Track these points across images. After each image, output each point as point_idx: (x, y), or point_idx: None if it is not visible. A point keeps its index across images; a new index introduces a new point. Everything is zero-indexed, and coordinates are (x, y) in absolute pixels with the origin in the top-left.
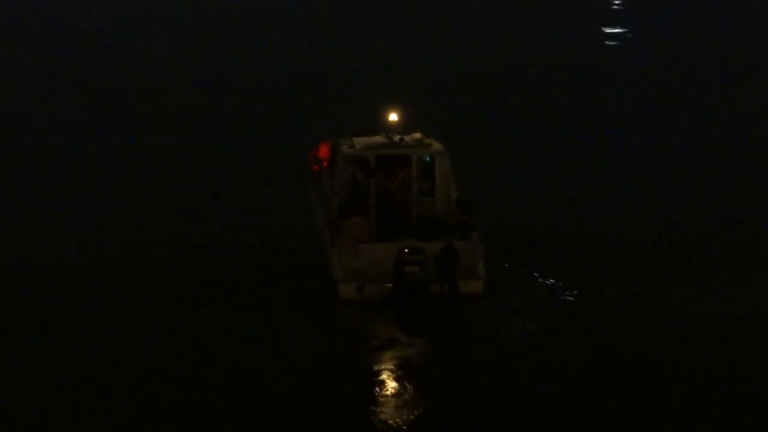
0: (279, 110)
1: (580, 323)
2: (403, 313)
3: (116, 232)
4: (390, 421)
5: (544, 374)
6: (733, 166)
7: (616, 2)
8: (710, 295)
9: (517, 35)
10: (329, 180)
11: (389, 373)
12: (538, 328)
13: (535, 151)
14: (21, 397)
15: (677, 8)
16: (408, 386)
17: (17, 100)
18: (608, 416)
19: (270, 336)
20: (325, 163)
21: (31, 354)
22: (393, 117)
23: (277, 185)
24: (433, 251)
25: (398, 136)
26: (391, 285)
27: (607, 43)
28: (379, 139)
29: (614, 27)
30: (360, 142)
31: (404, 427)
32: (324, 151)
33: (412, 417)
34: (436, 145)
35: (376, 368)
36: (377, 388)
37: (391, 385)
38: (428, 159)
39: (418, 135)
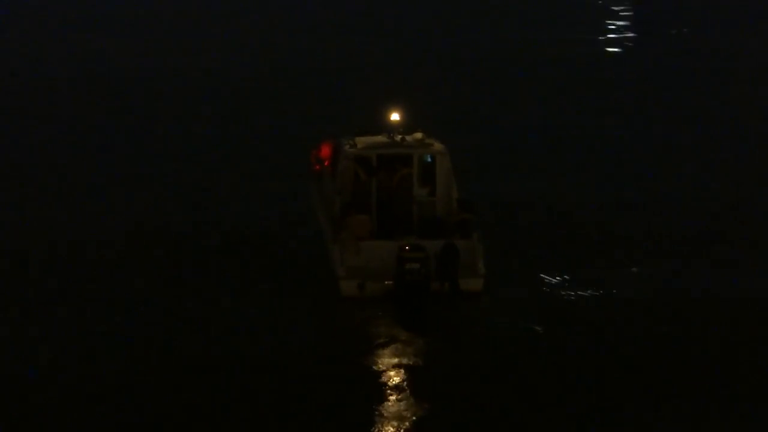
0: (280, 110)
1: (580, 320)
2: (403, 310)
3: (117, 230)
4: (390, 419)
5: (544, 372)
6: (727, 155)
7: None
8: (710, 281)
9: (519, 34)
10: (331, 179)
11: (389, 371)
12: (538, 325)
13: (534, 147)
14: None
15: (681, 10)
16: (408, 384)
17: (26, 92)
18: (608, 414)
19: (271, 332)
20: (326, 163)
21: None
22: (395, 117)
23: (279, 184)
24: (433, 249)
25: (400, 136)
26: (392, 282)
27: (607, 43)
28: (380, 138)
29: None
30: (362, 141)
31: (405, 425)
32: (326, 150)
33: (412, 415)
34: (437, 145)
35: (376, 365)
36: (377, 386)
37: (392, 383)
38: (429, 159)
39: (419, 135)
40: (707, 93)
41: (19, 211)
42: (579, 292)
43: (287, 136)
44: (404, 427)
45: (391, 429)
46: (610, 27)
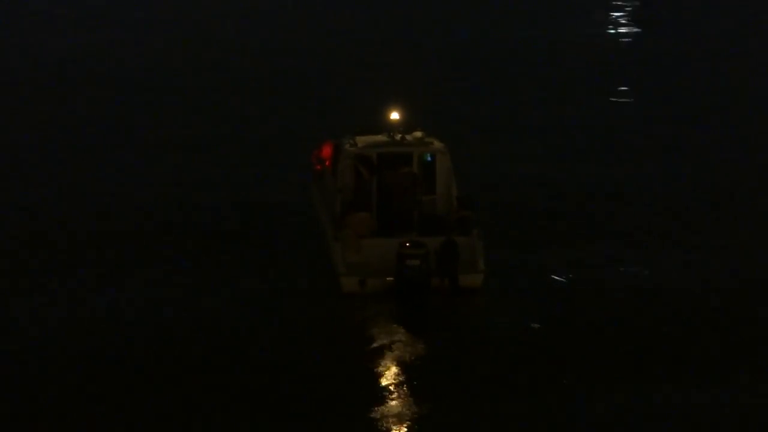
0: (282, 109)
1: (579, 316)
2: (404, 306)
3: (119, 229)
4: (389, 418)
5: (543, 369)
6: (730, 149)
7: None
8: (712, 270)
9: (519, 29)
10: (332, 178)
11: (389, 369)
12: (538, 321)
13: (534, 141)
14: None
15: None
16: (407, 382)
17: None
18: (607, 413)
19: (272, 329)
20: (327, 163)
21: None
22: (394, 116)
23: (280, 183)
24: (433, 246)
25: (400, 135)
26: (392, 279)
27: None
28: (381, 138)
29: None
30: (362, 140)
31: (404, 424)
32: (327, 150)
33: (411, 414)
34: (437, 144)
35: (375, 363)
36: (377, 384)
37: (391, 381)
38: (429, 158)
39: (419, 133)
40: (708, 84)
41: (25, 197)
42: (578, 288)
43: (287, 135)
44: (403, 426)
45: (390, 428)
46: (613, 18)
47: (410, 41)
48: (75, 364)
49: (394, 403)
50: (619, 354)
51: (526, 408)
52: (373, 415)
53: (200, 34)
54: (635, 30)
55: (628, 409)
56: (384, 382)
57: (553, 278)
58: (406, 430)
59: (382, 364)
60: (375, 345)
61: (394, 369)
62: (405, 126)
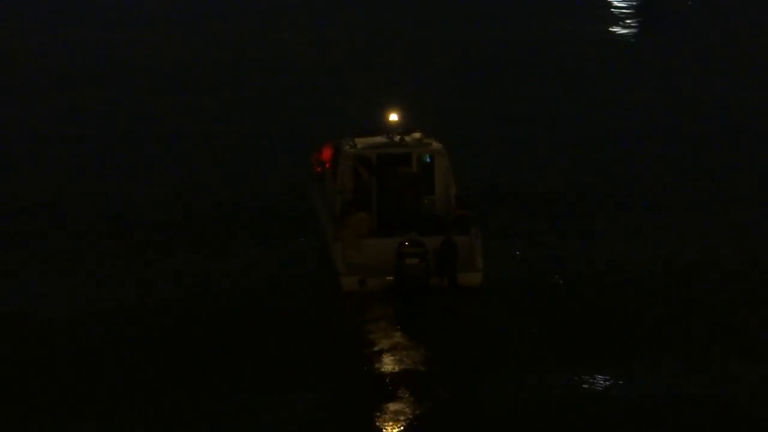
0: (282, 112)
1: (579, 315)
2: (403, 305)
3: (123, 227)
4: (388, 418)
5: (544, 367)
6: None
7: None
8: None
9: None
10: (332, 179)
11: (389, 367)
12: (536, 320)
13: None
14: None
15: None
16: (407, 379)
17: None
18: (609, 407)
19: (272, 328)
20: (327, 165)
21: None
22: (393, 117)
23: (280, 185)
24: (432, 245)
25: (399, 136)
26: (392, 278)
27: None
28: (380, 139)
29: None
30: (362, 142)
31: (403, 424)
32: (327, 153)
33: (410, 414)
34: (436, 145)
35: (375, 361)
36: (377, 382)
37: (391, 379)
38: (428, 158)
39: (417, 135)
40: (709, 80)
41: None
42: (575, 282)
43: (290, 137)
44: (402, 425)
45: (390, 427)
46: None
47: (411, 40)
48: (82, 348)
49: (392, 402)
50: (621, 349)
51: (525, 407)
52: (372, 414)
53: (199, 33)
54: (635, 30)
55: (630, 402)
56: (383, 381)
57: (553, 276)
58: (405, 429)
59: (382, 363)
60: (374, 344)
61: (393, 368)
62: (404, 127)
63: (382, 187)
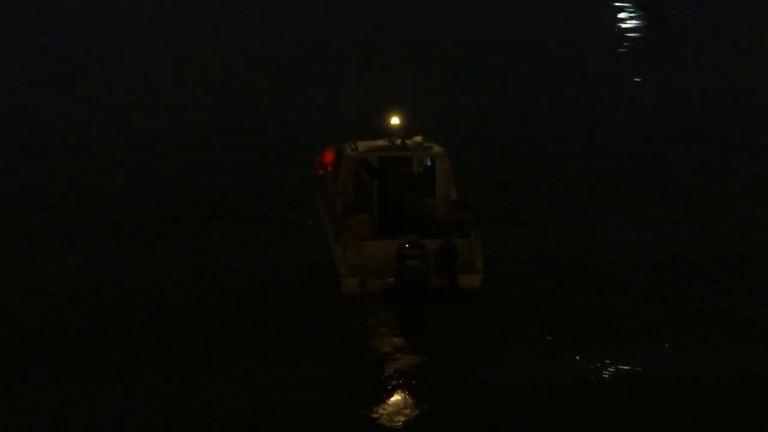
0: (283, 114)
1: (579, 321)
2: (403, 306)
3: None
4: (388, 417)
5: (544, 370)
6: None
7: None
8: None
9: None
10: (334, 182)
11: (389, 368)
12: (535, 325)
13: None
14: None
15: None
16: (407, 381)
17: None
18: (606, 414)
19: (273, 329)
20: (330, 168)
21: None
22: (395, 121)
23: (283, 188)
24: (433, 247)
25: (400, 140)
26: (392, 280)
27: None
28: (381, 142)
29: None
30: (363, 145)
31: (404, 423)
32: (329, 156)
33: (409, 415)
34: (437, 148)
35: (375, 362)
36: (377, 383)
37: (391, 381)
38: (429, 162)
39: (419, 138)
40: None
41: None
42: (573, 288)
43: (292, 141)
44: (402, 426)
45: (389, 428)
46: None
47: (412, 39)
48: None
49: (391, 400)
50: (619, 355)
51: (522, 409)
52: (371, 415)
53: (204, 34)
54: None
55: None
56: (383, 382)
57: (553, 276)
58: (403, 428)
59: (381, 364)
60: (374, 345)
61: (393, 370)
62: (405, 131)
63: (383, 189)
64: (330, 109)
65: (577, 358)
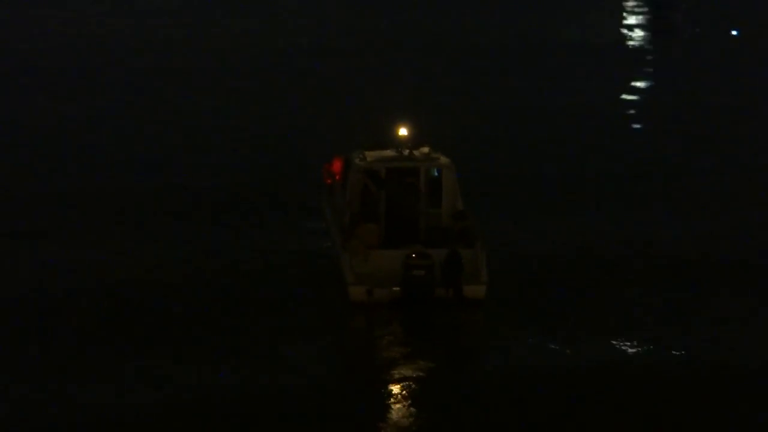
0: (293, 126)
1: (578, 326)
2: (409, 315)
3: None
4: (391, 424)
5: (547, 377)
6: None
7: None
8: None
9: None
10: (342, 191)
11: (393, 376)
12: (540, 335)
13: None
14: None
15: None
16: (411, 389)
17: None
18: (607, 417)
19: (281, 334)
20: (338, 177)
21: None
22: (403, 132)
23: (293, 196)
24: (439, 257)
25: (407, 150)
26: (398, 289)
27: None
28: (389, 152)
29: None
30: (371, 155)
31: (410, 427)
32: (337, 165)
33: (413, 423)
34: (444, 159)
35: (380, 370)
36: (382, 391)
37: (395, 389)
38: (436, 173)
39: (426, 149)
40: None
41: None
42: (576, 296)
43: (301, 151)
44: (405, 428)
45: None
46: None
47: (419, 47)
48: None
49: (395, 411)
50: (619, 360)
51: (528, 411)
52: (375, 422)
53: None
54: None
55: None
56: (387, 390)
57: (556, 290)
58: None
59: (386, 372)
60: (380, 353)
61: (397, 377)
62: (413, 141)
63: (390, 200)
64: (339, 116)
65: (577, 355)
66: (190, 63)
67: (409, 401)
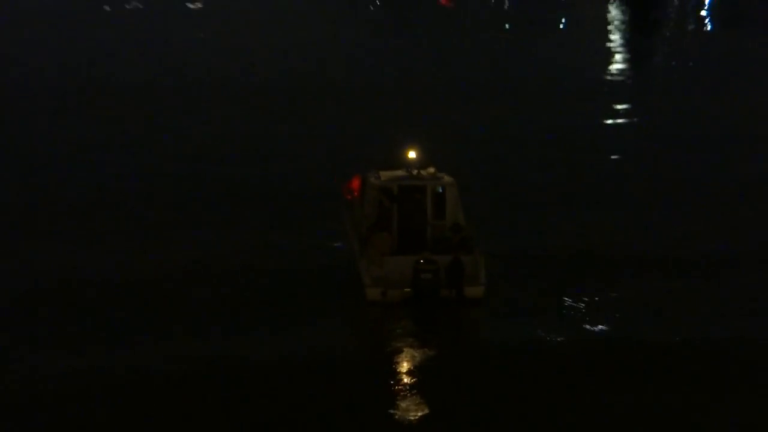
0: (318, 146)
1: (574, 323)
2: (418, 312)
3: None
4: (400, 416)
5: (537, 360)
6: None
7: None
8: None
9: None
10: (360, 206)
11: (404, 369)
12: (535, 328)
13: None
14: None
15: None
16: (420, 382)
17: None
18: (607, 415)
19: (306, 326)
20: (356, 193)
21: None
22: (412, 154)
23: (316, 212)
24: (443, 263)
25: (416, 170)
26: (409, 290)
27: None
28: (400, 172)
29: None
30: (385, 175)
31: (410, 424)
32: (356, 183)
33: (417, 414)
34: (447, 178)
35: (392, 362)
36: (393, 383)
37: (405, 381)
38: (440, 189)
39: (431, 169)
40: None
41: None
42: (571, 296)
43: (324, 172)
44: (408, 427)
45: (399, 427)
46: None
47: (425, 74)
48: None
49: (402, 403)
50: (619, 359)
51: (528, 412)
52: (384, 412)
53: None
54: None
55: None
56: (399, 371)
57: (548, 286)
58: (414, 422)
59: (398, 357)
60: (392, 343)
61: (407, 362)
62: (420, 163)
63: (401, 213)
64: (356, 142)
65: (564, 338)
66: (222, 76)
67: (417, 381)
